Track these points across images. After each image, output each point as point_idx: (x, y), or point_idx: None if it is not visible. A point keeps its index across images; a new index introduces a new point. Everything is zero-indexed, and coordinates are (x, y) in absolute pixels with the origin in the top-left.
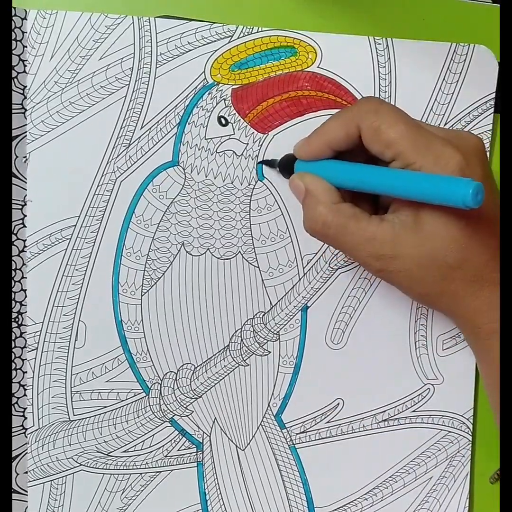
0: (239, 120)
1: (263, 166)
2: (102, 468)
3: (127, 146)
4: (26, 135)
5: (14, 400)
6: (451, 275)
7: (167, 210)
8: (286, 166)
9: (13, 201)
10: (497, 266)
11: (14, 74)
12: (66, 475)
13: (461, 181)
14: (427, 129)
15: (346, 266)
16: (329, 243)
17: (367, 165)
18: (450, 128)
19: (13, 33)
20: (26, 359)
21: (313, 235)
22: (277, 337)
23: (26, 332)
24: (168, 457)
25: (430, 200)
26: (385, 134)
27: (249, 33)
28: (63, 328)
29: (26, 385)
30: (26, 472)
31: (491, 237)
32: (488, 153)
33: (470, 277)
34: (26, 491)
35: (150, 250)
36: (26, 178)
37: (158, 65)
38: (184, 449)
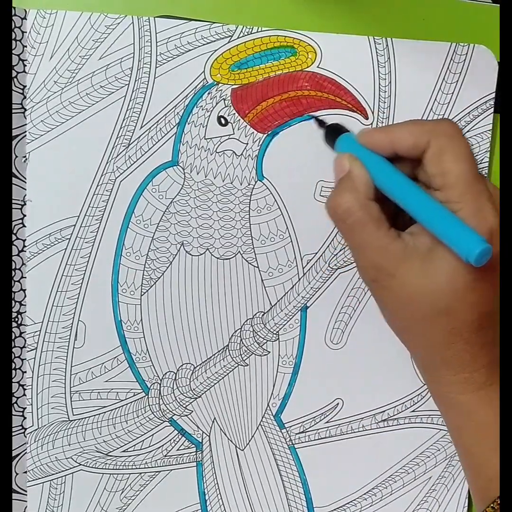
0: (239, 120)
1: (263, 164)
2: (102, 468)
3: (126, 146)
4: (25, 135)
5: (13, 400)
6: (435, 319)
7: (167, 210)
8: (333, 132)
9: (13, 201)
10: (478, 327)
11: (13, 73)
12: (65, 475)
13: (476, 236)
14: (483, 180)
15: (346, 266)
16: (341, 230)
17: (409, 180)
18: None
19: (12, 32)
20: (25, 359)
21: (330, 215)
22: (277, 337)
23: (25, 332)
24: (168, 457)
25: (442, 237)
26: (447, 163)
27: (249, 33)
28: (63, 328)
29: (25, 385)
30: (26, 472)
31: (487, 302)
32: (488, 154)
33: (450, 328)
34: (26, 491)
35: (150, 250)
36: (25, 178)
37: (157, 65)
38: (184, 448)
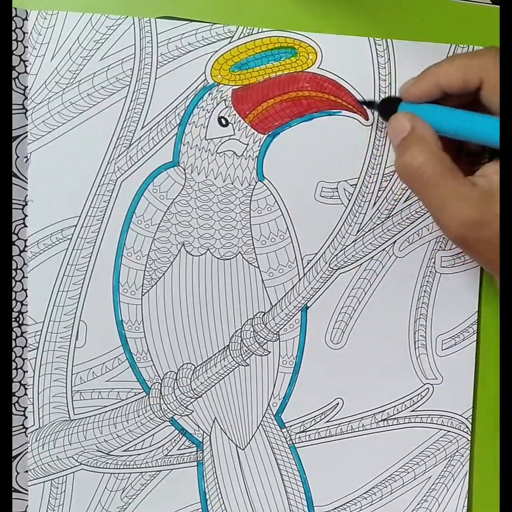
0: (240, 120)
1: (264, 165)
2: (102, 467)
3: (127, 146)
4: (27, 135)
5: (14, 399)
6: None
7: (168, 211)
8: (387, 107)
9: (14, 201)
10: None
11: (15, 74)
12: (66, 474)
13: None
14: None
15: (346, 266)
16: (417, 189)
17: (476, 113)
18: None
19: (14, 33)
20: (26, 358)
21: (404, 176)
22: (277, 337)
23: (26, 331)
24: (168, 456)
25: None
26: None
27: (250, 34)
28: (64, 327)
29: (26, 384)
30: (27, 471)
31: None
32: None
33: None
34: (27, 490)
35: (151, 250)
36: (27, 178)
37: (158, 66)
38: (184, 448)
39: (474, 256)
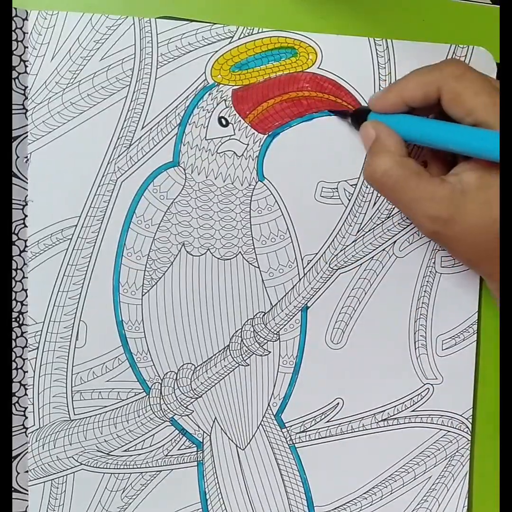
0: (240, 120)
1: (264, 165)
2: (103, 467)
3: (128, 146)
4: (27, 136)
5: (14, 399)
6: None
7: (168, 211)
8: (358, 117)
9: (14, 201)
10: None
11: (15, 74)
12: (66, 474)
13: None
14: None
15: (346, 266)
16: (385, 194)
17: (440, 121)
18: None
19: (14, 33)
20: (27, 358)
21: (371, 183)
22: (277, 337)
23: (27, 331)
24: (169, 457)
25: (489, 151)
26: (467, 101)
27: (250, 34)
28: (64, 327)
29: (26, 384)
30: (27, 471)
31: None
32: None
33: None
34: (27, 490)
35: (151, 250)
36: (27, 178)
37: (159, 66)
38: (184, 448)
39: (452, 253)
